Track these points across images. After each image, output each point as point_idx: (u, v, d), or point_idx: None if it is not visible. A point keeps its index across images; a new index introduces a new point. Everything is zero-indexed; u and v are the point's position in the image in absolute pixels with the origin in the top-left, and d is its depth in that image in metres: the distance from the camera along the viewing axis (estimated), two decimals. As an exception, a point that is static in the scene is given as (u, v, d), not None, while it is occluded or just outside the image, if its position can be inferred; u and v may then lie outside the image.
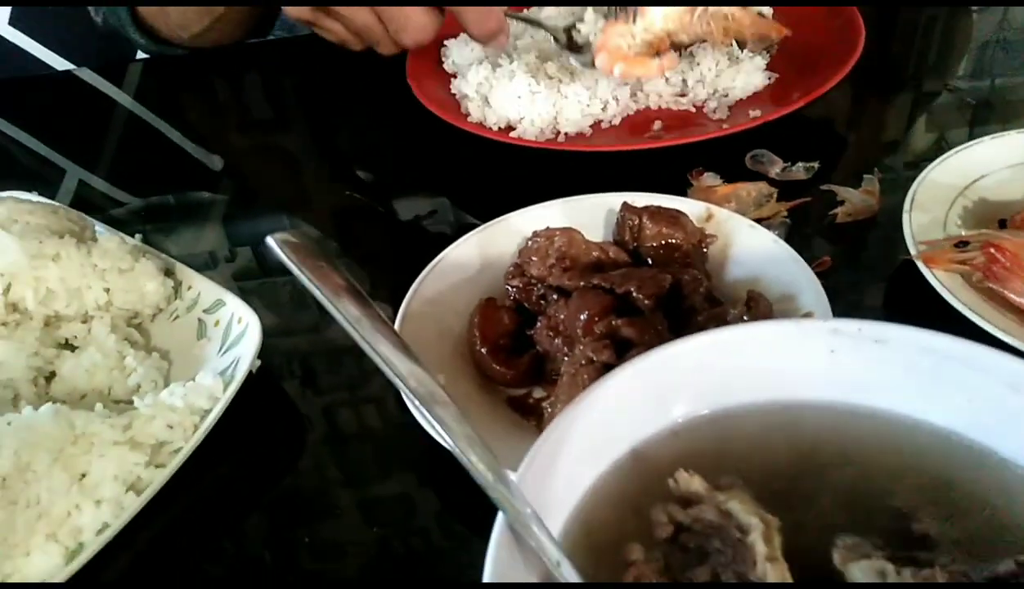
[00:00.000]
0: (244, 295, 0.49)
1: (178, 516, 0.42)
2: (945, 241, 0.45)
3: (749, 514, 0.30)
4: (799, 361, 0.35)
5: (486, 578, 0.28)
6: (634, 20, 0.65)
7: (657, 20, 0.66)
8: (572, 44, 0.72)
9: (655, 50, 0.66)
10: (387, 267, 0.56)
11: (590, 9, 0.72)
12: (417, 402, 0.32)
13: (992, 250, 0.43)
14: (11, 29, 1.17)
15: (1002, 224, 0.48)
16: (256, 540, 0.43)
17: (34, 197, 0.56)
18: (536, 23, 0.73)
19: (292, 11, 0.70)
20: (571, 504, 0.33)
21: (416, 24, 0.64)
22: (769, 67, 0.69)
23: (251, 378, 0.44)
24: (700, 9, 0.65)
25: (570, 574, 0.28)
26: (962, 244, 0.44)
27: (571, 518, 0.32)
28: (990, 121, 0.65)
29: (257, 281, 0.59)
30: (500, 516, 0.29)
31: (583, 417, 0.33)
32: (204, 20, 0.87)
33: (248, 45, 1.04)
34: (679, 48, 0.67)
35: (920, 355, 0.33)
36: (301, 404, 0.49)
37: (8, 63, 1.17)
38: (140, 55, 1.10)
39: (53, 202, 0.56)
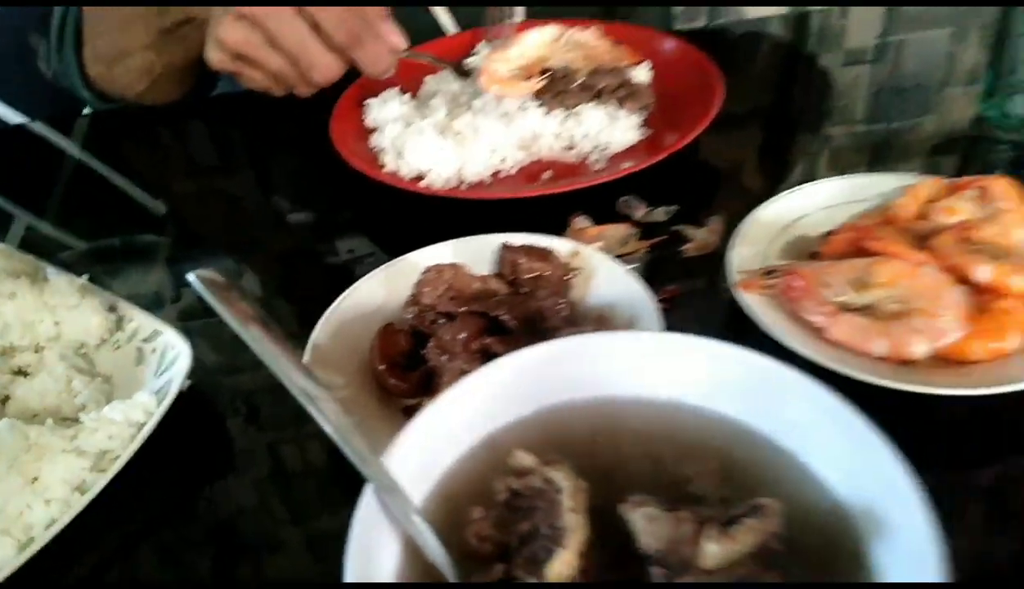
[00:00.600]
0: (187, 333, 0.57)
1: (117, 514, 0.50)
2: (757, 271, 0.55)
3: (563, 479, 0.38)
4: (618, 365, 0.44)
5: (353, 533, 0.36)
6: (508, 48, 0.78)
7: (530, 47, 0.78)
8: (462, 72, 0.84)
9: (528, 74, 0.79)
10: (309, 299, 0.63)
11: (480, 44, 0.87)
12: (306, 402, 0.40)
13: (791, 277, 0.53)
14: (-37, 84, 1.24)
15: (814, 256, 0.59)
16: (182, 535, 0.51)
17: (-9, 243, 0.64)
18: (429, 58, 0.84)
19: (215, 60, 0.78)
20: (433, 479, 0.41)
21: (323, 63, 0.74)
22: (647, 124, 0.80)
23: (189, 409, 0.52)
24: (564, 38, 0.78)
25: (420, 525, 0.37)
26: (770, 273, 0.54)
27: (432, 490, 0.41)
28: (831, 168, 0.77)
29: (200, 321, 0.65)
30: (368, 485, 0.37)
31: (444, 411, 0.42)
32: (144, 81, 0.95)
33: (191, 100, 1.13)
34: (552, 76, 0.78)
35: (709, 359, 0.43)
36: (237, 431, 0.57)
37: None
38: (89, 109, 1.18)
39: (8, 246, 0.63)
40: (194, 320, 0.63)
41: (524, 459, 0.40)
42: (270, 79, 0.77)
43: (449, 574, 0.36)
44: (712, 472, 0.40)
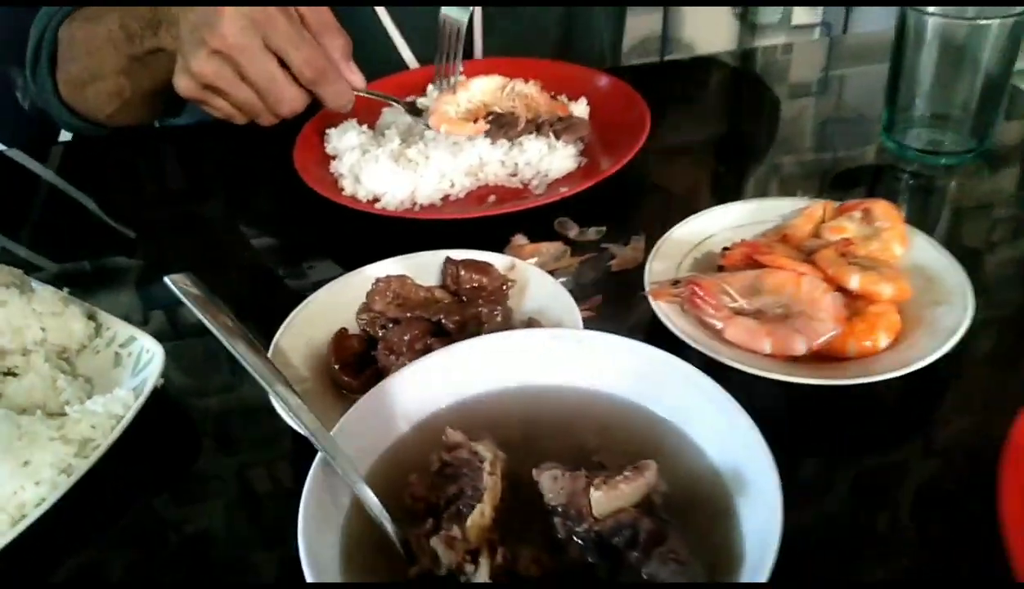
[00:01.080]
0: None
1: (98, 495, 0.56)
2: (666, 282, 0.63)
3: (486, 451, 0.46)
4: (538, 358, 0.52)
5: (304, 496, 0.43)
6: (456, 91, 0.87)
7: (476, 93, 0.86)
8: (414, 110, 0.91)
9: (474, 117, 0.87)
10: (272, 309, 0.69)
11: (430, 85, 0.95)
12: (265, 386, 0.47)
13: (693, 286, 0.61)
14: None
15: (719, 270, 0.67)
16: (155, 516, 0.57)
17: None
18: (384, 97, 0.92)
19: (184, 88, 0.82)
20: (376, 453, 0.48)
21: (289, 97, 0.81)
22: (584, 153, 0.89)
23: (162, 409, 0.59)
24: (509, 87, 0.86)
25: (362, 485, 0.44)
26: (676, 282, 0.62)
27: (375, 462, 0.48)
28: (747, 193, 0.86)
29: (171, 343, 0.71)
30: (318, 454, 0.44)
31: (385, 394, 0.49)
32: (114, 103, 0.99)
33: (162, 129, 1.19)
34: (497, 118, 0.87)
35: (614, 352, 0.50)
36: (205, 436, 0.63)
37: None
38: (64, 136, 1.24)
39: (-4, 261, 0.70)
40: (164, 341, 0.69)
41: (454, 436, 0.47)
42: (235, 109, 0.83)
43: (387, 526, 0.43)
44: (612, 445, 0.47)
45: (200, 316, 0.48)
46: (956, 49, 0.80)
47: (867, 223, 0.67)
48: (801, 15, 1.89)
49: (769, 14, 1.82)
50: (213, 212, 0.96)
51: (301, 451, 0.48)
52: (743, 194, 0.86)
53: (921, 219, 0.72)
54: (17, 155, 1.14)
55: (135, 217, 0.95)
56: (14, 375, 0.62)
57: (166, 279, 0.48)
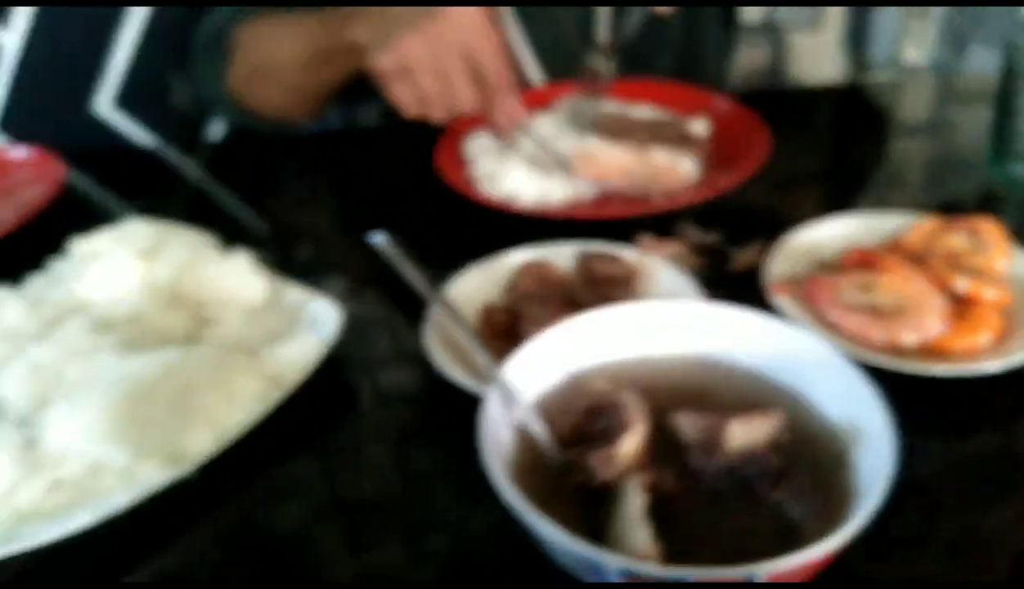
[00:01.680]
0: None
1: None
2: (788, 278, 0.70)
3: (629, 397, 0.54)
4: (671, 326, 0.60)
5: (482, 424, 0.51)
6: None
7: (612, 166, 0.94)
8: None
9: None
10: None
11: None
12: (451, 323, 0.57)
13: (813, 282, 0.68)
14: (114, 111, 1.46)
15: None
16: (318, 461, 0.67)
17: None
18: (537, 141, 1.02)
19: (383, 62, 0.87)
20: (532, 396, 0.57)
21: (469, 99, 0.89)
22: (703, 166, 0.97)
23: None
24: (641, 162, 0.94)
25: (531, 413, 0.53)
26: (796, 279, 0.70)
27: (532, 402, 0.56)
28: (851, 203, 0.92)
29: None
30: (491, 388, 0.53)
31: (540, 346, 0.58)
32: (284, 97, 1.09)
33: (308, 135, 1.30)
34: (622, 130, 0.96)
35: (742, 324, 0.58)
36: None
37: (106, 137, 1.46)
38: (213, 136, 1.38)
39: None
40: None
41: (601, 383, 0.56)
42: (416, 97, 0.90)
43: (550, 449, 0.52)
44: (739, 403, 0.55)
45: (401, 269, 0.58)
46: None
47: (973, 239, 0.73)
48: (911, 54, 1.93)
49: (879, 51, 1.87)
50: (355, 209, 1.06)
51: (447, 404, 0.59)
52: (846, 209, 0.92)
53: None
54: (169, 152, 1.28)
55: (271, 213, 1.05)
56: (212, 325, 0.73)
57: (369, 236, 0.58)
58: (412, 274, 0.60)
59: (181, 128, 1.48)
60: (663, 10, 0.93)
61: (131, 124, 1.47)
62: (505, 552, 0.55)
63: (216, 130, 1.52)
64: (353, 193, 1.10)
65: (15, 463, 0.61)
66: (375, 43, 0.89)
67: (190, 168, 1.24)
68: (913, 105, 1.22)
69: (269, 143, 1.21)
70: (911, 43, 1.91)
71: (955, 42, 1.91)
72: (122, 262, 0.71)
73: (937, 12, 1.92)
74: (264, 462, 0.64)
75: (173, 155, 1.27)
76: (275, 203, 1.10)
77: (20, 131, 1.46)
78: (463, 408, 0.65)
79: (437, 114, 0.91)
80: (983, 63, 1.78)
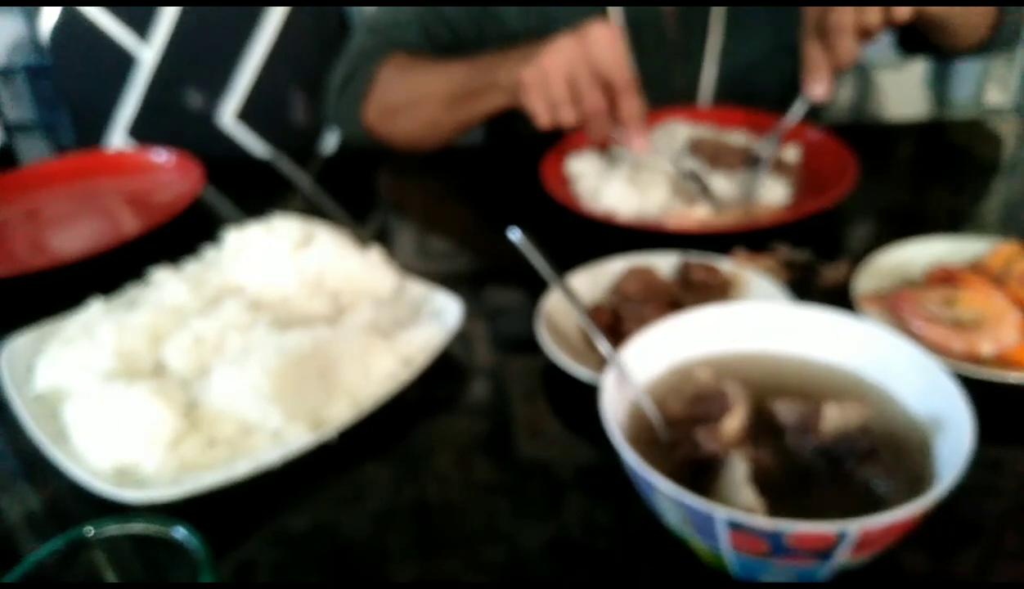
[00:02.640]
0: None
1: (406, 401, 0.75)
2: (875, 293, 0.76)
3: (730, 386, 0.60)
4: (770, 326, 0.66)
5: (603, 396, 0.58)
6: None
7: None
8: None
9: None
10: (531, 289, 0.88)
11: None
12: (579, 312, 0.65)
13: (899, 296, 0.74)
14: (236, 122, 1.59)
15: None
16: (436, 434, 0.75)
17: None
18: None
19: (525, 74, 0.98)
20: (642, 380, 0.64)
21: (594, 100, 0.97)
22: (794, 190, 1.03)
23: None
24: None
25: (643, 393, 0.59)
26: (883, 296, 0.76)
27: (643, 386, 0.63)
28: (932, 229, 0.96)
29: None
30: (609, 368, 0.60)
31: (648, 340, 0.65)
32: (423, 132, 1.22)
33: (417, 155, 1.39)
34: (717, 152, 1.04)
35: (835, 325, 0.64)
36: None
37: (228, 147, 1.59)
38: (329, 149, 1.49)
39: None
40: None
41: (704, 372, 0.63)
42: (549, 104, 0.99)
43: (659, 425, 0.59)
44: (830, 396, 0.61)
45: (534, 260, 0.67)
46: None
47: (1054, 264, 0.78)
48: (994, 96, 1.96)
49: (962, 92, 1.91)
50: (470, 220, 1.15)
51: (553, 387, 0.66)
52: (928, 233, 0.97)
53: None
54: (283, 163, 1.39)
55: (379, 223, 1.15)
56: (347, 311, 0.82)
57: (509, 231, 0.67)
58: (543, 266, 0.68)
59: (296, 141, 1.61)
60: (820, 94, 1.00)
61: (250, 136, 1.60)
62: (557, 568, 0.59)
63: (329, 143, 1.64)
64: (462, 205, 1.19)
65: (180, 420, 0.70)
66: (519, 64, 1.00)
67: (302, 178, 1.35)
68: (995, 144, 1.26)
69: (376, 158, 1.30)
70: (994, 86, 1.94)
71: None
72: (274, 252, 0.81)
73: (1021, 57, 1.95)
74: (338, 467, 0.70)
75: (287, 166, 1.38)
76: (384, 212, 1.20)
77: (147, 137, 1.60)
78: (528, 424, 0.73)
79: (566, 118, 0.99)
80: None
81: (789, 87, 1.27)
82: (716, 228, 0.95)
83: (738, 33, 1.25)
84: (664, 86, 1.26)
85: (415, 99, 1.18)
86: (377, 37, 1.26)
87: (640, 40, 1.21)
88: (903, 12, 0.96)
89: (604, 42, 0.96)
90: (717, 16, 1.24)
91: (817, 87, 0.99)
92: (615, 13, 1.23)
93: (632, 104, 0.99)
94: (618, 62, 0.97)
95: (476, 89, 1.11)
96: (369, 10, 1.61)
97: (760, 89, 1.25)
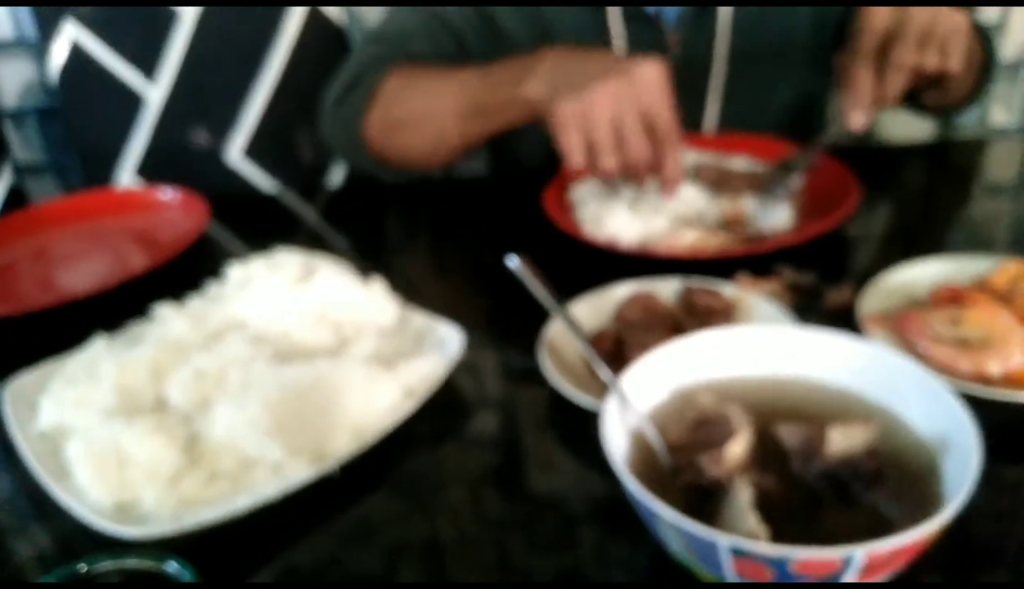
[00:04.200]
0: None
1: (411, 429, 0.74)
2: (881, 314, 0.75)
3: (733, 410, 0.60)
4: (773, 349, 0.65)
5: (604, 424, 0.58)
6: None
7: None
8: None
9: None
10: (533, 315, 0.86)
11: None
12: (578, 340, 0.64)
13: (905, 316, 0.73)
14: (242, 158, 1.60)
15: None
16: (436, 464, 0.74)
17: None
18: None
19: (565, 109, 0.90)
20: (645, 406, 0.63)
21: (640, 149, 0.92)
22: (798, 213, 1.03)
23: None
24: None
25: (645, 420, 0.59)
26: (888, 316, 0.75)
27: (646, 412, 0.63)
28: (938, 249, 0.95)
29: None
30: (610, 396, 0.60)
31: (651, 363, 0.64)
32: (431, 147, 1.13)
33: (420, 182, 1.39)
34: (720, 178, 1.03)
35: (839, 347, 0.63)
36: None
37: (235, 183, 1.60)
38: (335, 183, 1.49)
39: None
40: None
41: (706, 397, 0.62)
42: (587, 146, 0.92)
43: (662, 452, 0.58)
44: (835, 418, 0.60)
45: (533, 288, 0.67)
46: None
47: (1060, 281, 0.77)
48: (999, 116, 1.95)
49: (967, 114, 1.90)
50: (471, 250, 1.14)
51: (556, 416, 0.66)
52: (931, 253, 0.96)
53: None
54: (289, 198, 1.40)
55: (384, 256, 1.14)
56: (349, 343, 0.82)
57: (507, 258, 0.66)
58: (542, 293, 0.68)
59: (303, 176, 1.62)
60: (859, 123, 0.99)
61: (257, 172, 1.61)
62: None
63: (335, 178, 1.65)
64: (466, 235, 1.19)
65: (181, 455, 0.70)
66: (556, 95, 0.93)
67: (307, 212, 1.36)
68: (1000, 164, 1.25)
69: (381, 191, 1.31)
70: (999, 105, 1.94)
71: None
72: (276, 286, 0.81)
73: (1026, 74, 1.94)
74: (345, 501, 0.69)
75: (293, 200, 1.39)
76: (388, 244, 1.20)
77: (155, 176, 1.62)
78: (537, 455, 0.73)
79: (606, 164, 0.93)
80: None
81: (792, 124, 1.28)
82: (719, 253, 0.95)
83: (741, 72, 1.24)
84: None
85: (424, 112, 1.11)
86: (382, 47, 1.19)
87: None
88: (956, 64, 0.95)
89: (655, 85, 0.91)
90: (721, 48, 1.23)
91: (860, 117, 0.97)
92: (614, 18, 1.20)
93: (677, 156, 0.95)
94: (667, 109, 0.92)
95: (493, 103, 1.04)
96: (371, 20, 1.63)
97: (764, 124, 1.24)
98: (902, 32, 0.93)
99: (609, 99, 0.90)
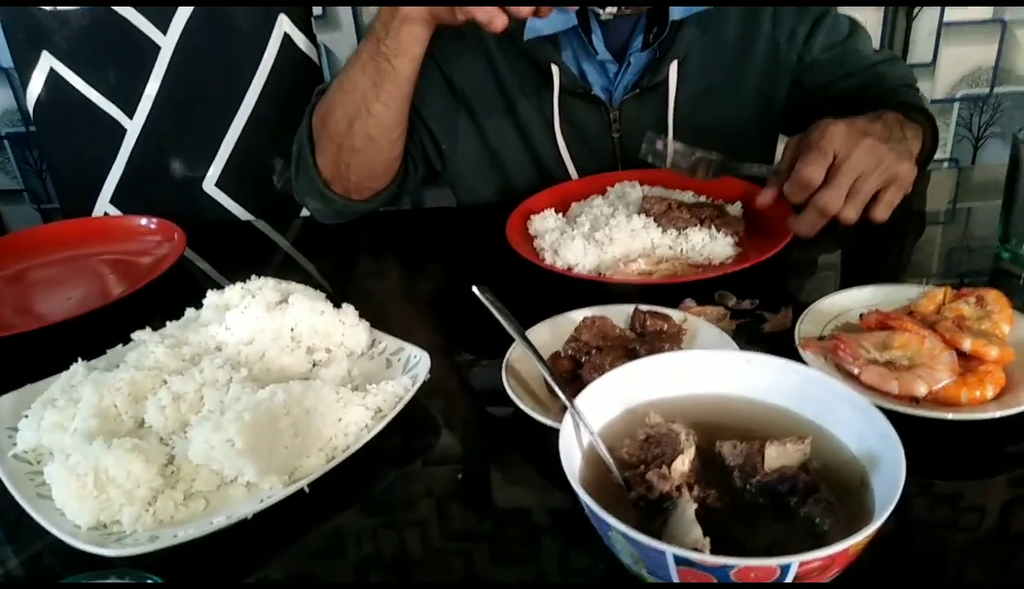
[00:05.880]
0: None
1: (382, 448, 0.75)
2: (815, 336, 0.78)
3: (680, 428, 0.62)
4: (717, 372, 0.67)
5: (561, 442, 0.59)
6: None
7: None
8: None
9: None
10: (498, 341, 0.87)
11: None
12: (537, 363, 0.66)
13: (837, 340, 0.76)
14: (215, 188, 1.60)
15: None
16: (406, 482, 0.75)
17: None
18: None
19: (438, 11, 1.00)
20: (597, 426, 0.65)
21: None
22: (738, 243, 1.06)
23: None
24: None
25: (598, 437, 0.60)
26: (821, 338, 0.77)
27: (598, 431, 0.64)
28: (871, 277, 0.99)
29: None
30: (568, 412, 0.61)
31: (604, 385, 0.66)
32: (370, 144, 1.14)
33: (386, 213, 1.38)
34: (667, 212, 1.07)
35: (775, 369, 0.66)
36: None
37: (209, 210, 1.60)
38: (303, 213, 1.49)
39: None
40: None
41: (655, 417, 0.64)
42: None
43: (613, 468, 0.60)
44: (773, 436, 0.62)
45: (498, 315, 0.69)
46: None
47: (980, 307, 0.80)
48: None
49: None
50: (438, 277, 1.16)
51: (519, 434, 0.67)
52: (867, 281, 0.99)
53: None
54: (262, 225, 1.40)
55: (354, 282, 1.15)
56: (317, 365, 0.83)
57: (474, 287, 0.68)
58: (507, 319, 0.69)
59: (275, 205, 1.62)
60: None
61: (231, 201, 1.61)
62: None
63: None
64: (433, 262, 1.20)
65: (158, 476, 0.70)
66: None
67: (280, 240, 1.36)
68: (933, 196, 1.30)
69: (350, 222, 1.30)
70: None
71: (971, 138, 2.00)
72: (252, 311, 0.82)
73: (955, 111, 2.01)
74: (316, 519, 0.69)
75: (266, 228, 1.39)
76: (358, 270, 1.21)
77: (131, 203, 1.61)
78: (501, 471, 0.74)
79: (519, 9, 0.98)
80: (997, 156, 1.86)
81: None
82: (667, 280, 0.97)
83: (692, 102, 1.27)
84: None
85: (343, 100, 1.13)
86: (316, 99, 1.21)
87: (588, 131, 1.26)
88: (883, 215, 0.96)
89: None
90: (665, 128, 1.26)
91: (768, 196, 1.03)
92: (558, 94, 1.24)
93: None
94: None
95: (388, 41, 1.06)
96: (343, 55, 1.64)
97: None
98: (834, 177, 0.92)
99: None
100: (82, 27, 1.52)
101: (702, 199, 1.16)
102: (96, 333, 0.91)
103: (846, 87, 1.25)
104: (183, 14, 1.53)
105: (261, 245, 1.32)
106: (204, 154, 1.58)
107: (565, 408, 0.62)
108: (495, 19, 0.97)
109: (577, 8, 1.16)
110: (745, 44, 1.25)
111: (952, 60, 1.93)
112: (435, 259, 1.21)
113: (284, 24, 1.56)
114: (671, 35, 1.19)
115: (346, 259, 1.24)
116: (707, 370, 0.67)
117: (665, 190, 1.18)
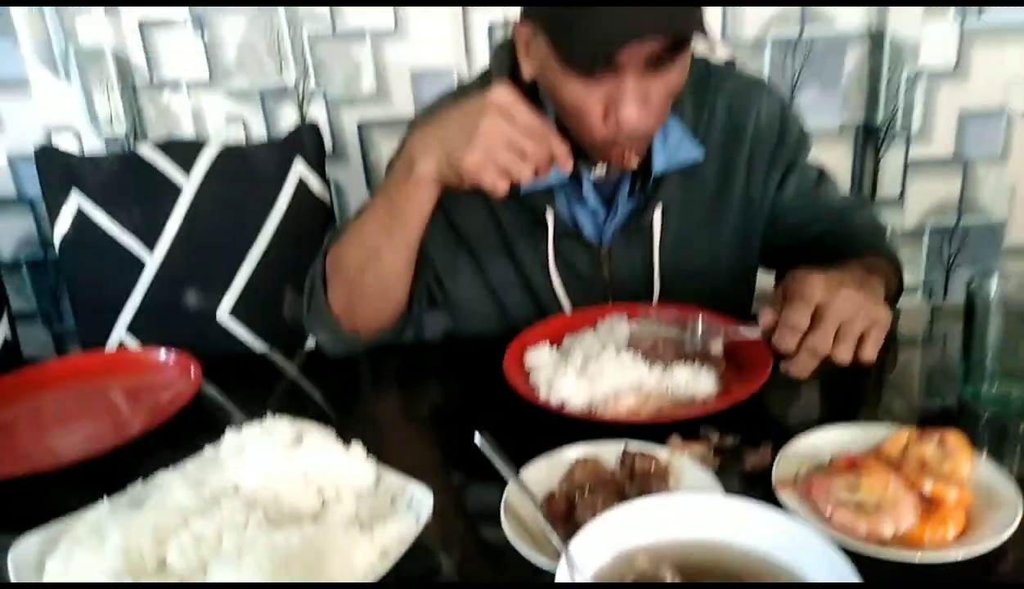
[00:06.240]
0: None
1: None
2: (790, 478, 0.84)
3: (667, 570, 0.66)
4: (700, 516, 0.73)
5: (557, 583, 0.64)
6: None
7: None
8: None
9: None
10: (492, 476, 0.93)
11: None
12: (543, 518, 0.71)
13: (810, 482, 0.82)
14: (229, 317, 1.67)
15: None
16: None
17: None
18: None
19: (471, 162, 1.04)
20: (589, 571, 0.69)
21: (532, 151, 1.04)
22: (720, 380, 1.12)
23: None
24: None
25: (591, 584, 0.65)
26: (795, 480, 0.83)
27: (591, 574, 0.69)
28: (852, 412, 1.05)
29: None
30: (561, 560, 0.66)
31: (595, 530, 0.71)
32: (385, 289, 1.23)
33: (388, 347, 1.43)
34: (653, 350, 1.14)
35: (751, 515, 0.71)
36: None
37: (224, 341, 1.66)
38: (309, 345, 1.56)
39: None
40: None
41: (643, 561, 0.69)
42: (501, 173, 1.06)
43: (605, 613, 0.64)
44: (749, 578, 0.67)
45: (497, 463, 0.75)
46: (1018, 315, 1.01)
47: (942, 448, 0.86)
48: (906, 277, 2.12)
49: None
50: (440, 407, 1.22)
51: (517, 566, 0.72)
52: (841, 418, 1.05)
53: (994, 449, 0.91)
54: (275, 356, 1.46)
55: (359, 415, 1.20)
56: (329, 503, 0.87)
57: (477, 435, 0.74)
58: (505, 467, 0.75)
59: (287, 335, 1.68)
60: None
61: (245, 331, 1.68)
62: None
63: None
64: (433, 395, 1.27)
65: (179, 616, 0.74)
66: (449, 157, 1.07)
67: (290, 371, 1.42)
68: (904, 323, 1.37)
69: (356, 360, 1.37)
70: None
71: (942, 266, 2.10)
72: (268, 451, 0.87)
73: (925, 240, 2.12)
74: None
75: (278, 359, 1.45)
76: (361, 400, 1.27)
77: (146, 331, 1.68)
78: None
79: (524, 174, 1.07)
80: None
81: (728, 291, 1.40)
82: (653, 418, 1.03)
83: (670, 289, 1.36)
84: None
85: (355, 250, 1.21)
86: (331, 240, 1.29)
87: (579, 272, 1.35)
88: (870, 355, 1.02)
89: (511, 100, 1.04)
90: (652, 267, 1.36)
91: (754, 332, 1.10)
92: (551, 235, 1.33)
93: (557, 139, 1.07)
94: (528, 113, 1.04)
95: (400, 199, 1.15)
96: (355, 197, 1.73)
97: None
98: (820, 322, 0.99)
99: (491, 129, 1.03)
100: (112, 170, 1.63)
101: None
102: (115, 467, 0.96)
103: (817, 231, 1.35)
104: (206, 158, 1.64)
105: (275, 376, 1.38)
106: (219, 285, 1.66)
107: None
108: (499, 185, 1.06)
109: None
110: (721, 197, 1.36)
111: (919, 194, 2.05)
112: (436, 390, 1.27)
113: (299, 168, 1.67)
114: (654, 186, 1.30)
115: (350, 388, 1.30)
116: (691, 513, 0.73)
117: (655, 324, 1.25)
